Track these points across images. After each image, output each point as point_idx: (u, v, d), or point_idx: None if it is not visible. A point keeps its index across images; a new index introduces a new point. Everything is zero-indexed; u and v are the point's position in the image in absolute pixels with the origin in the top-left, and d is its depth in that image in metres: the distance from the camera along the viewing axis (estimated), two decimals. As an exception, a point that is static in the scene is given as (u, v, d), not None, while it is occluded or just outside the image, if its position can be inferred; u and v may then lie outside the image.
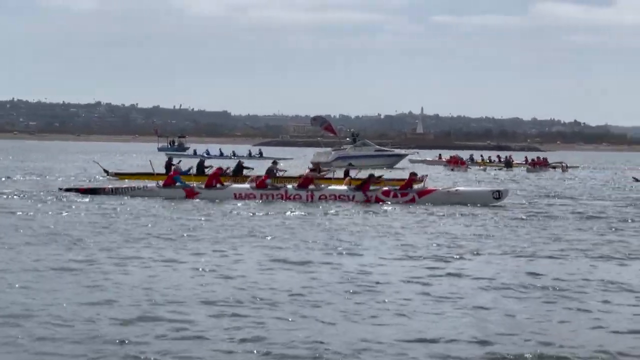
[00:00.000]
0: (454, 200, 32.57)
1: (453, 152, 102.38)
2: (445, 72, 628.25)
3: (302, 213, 28.06)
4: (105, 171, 47.18)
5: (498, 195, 33.13)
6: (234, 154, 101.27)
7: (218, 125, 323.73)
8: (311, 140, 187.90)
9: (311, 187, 33.48)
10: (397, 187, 34.03)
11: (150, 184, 35.08)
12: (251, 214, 27.61)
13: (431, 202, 32.17)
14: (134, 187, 34.46)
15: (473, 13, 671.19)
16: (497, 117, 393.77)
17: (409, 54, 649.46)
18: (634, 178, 47.28)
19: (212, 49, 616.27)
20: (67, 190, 34.27)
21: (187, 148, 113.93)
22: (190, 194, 33.25)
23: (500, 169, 77.75)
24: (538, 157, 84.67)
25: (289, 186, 33.80)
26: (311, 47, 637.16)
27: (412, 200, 32.60)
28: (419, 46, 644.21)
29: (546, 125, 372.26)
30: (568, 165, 79.00)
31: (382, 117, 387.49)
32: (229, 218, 26.35)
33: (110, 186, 35.17)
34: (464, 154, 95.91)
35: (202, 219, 25.85)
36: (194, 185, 34.09)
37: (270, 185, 33.80)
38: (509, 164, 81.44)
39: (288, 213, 28.02)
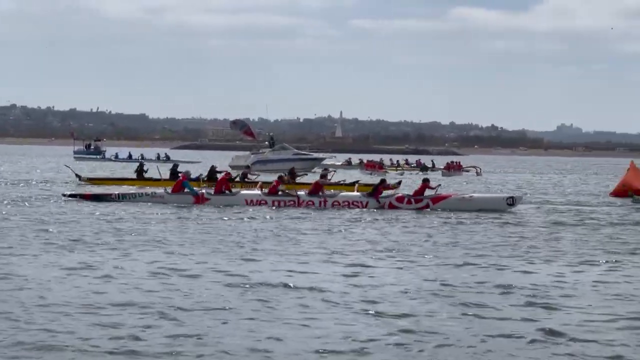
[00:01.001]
0: (468, 206, 32.39)
1: (372, 156, 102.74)
2: (364, 75, 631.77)
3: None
4: (77, 176, 45.93)
5: (512, 201, 33.18)
6: (142, 157, 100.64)
7: (136, 129, 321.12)
8: (230, 144, 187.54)
9: (326, 193, 33.26)
10: (411, 194, 33.66)
11: (159, 190, 34.22)
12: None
13: (445, 209, 31.96)
14: (142, 193, 33.74)
15: (391, 17, 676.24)
16: (416, 121, 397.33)
17: (328, 57, 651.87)
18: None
19: (129, 51, 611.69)
20: (71, 196, 33.60)
21: (104, 151, 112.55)
22: (200, 200, 32.67)
23: (416, 173, 78.13)
24: (452, 161, 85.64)
25: (301, 193, 33.26)
26: (230, 50, 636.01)
27: (426, 207, 32.39)
28: (338, 50, 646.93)
29: (464, 130, 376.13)
30: (482, 169, 79.89)
31: (301, 120, 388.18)
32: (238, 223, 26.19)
33: (116, 192, 34.27)
34: (382, 158, 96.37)
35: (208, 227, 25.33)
36: (204, 191, 33.48)
37: (282, 191, 33.22)
38: (424, 167, 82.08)
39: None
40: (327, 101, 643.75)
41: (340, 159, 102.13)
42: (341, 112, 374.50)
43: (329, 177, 42.59)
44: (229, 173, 36.01)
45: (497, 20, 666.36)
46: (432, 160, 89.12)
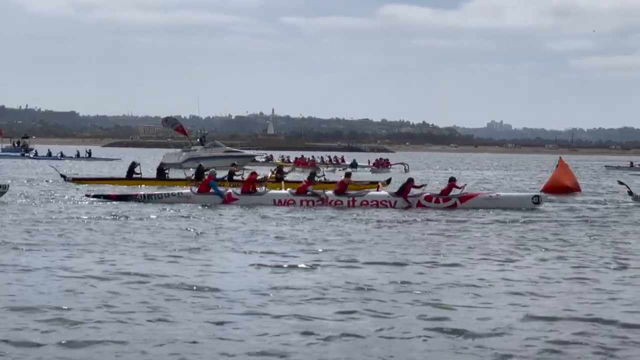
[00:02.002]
0: (494, 205, 32.35)
1: (303, 154, 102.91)
2: (295, 73, 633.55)
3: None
4: (62, 176, 45.06)
5: (537, 200, 33.23)
6: (62, 155, 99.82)
7: (66, 127, 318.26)
8: (162, 141, 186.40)
9: (353, 192, 32.84)
10: (438, 193, 33.36)
11: (185, 190, 33.55)
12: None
13: (472, 207, 31.87)
14: (168, 193, 33.00)
15: (322, 15, 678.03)
16: (347, 118, 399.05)
17: (259, 54, 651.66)
18: (619, 182, 47.83)
19: (58, 48, 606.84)
20: (95, 196, 32.93)
21: (32, 149, 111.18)
22: (228, 199, 32.16)
23: (343, 169, 78.43)
24: (381, 158, 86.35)
25: (329, 192, 32.75)
26: (161, 48, 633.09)
27: (454, 206, 32.21)
28: (269, 47, 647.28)
29: (395, 127, 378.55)
30: (409, 166, 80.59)
31: (233, 118, 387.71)
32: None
33: (142, 192, 33.66)
34: (312, 155, 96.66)
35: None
36: (231, 191, 32.91)
37: (310, 191, 32.72)
38: (354, 164, 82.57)
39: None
40: (259, 98, 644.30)
41: (275, 156, 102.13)
42: (273, 110, 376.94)
43: (318, 175, 42.71)
44: (255, 173, 35.27)
45: (427, 18, 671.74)
46: (353, 159, 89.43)
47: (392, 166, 79.27)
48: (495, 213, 30.54)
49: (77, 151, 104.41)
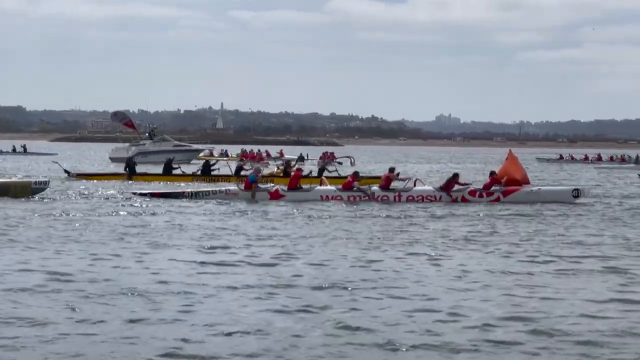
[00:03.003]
0: (536, 199, 32.73)
1: (255, 148, 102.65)
2: (244, 67, 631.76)
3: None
4: (66, 172, 44.55)
5: (577, 193, 33.68)
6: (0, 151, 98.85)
7: (13, 121, 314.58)
8: (110, 136, 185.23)
9: (398, 187, 33.06)
10: (481, 187, 33.77)
11: (232, 187, 33.37)
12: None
13: (514, 201, 32.23)
14: (215, 190, 32.87)
15: (271, 8, 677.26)
16: (297, 112, 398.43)
17: (208, 48, 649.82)
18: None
19: (4, 41, 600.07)
20: (141, 194, 32.70)
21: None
22: (275, 196, 32.06)
23: (294, 164, 78.46)
24: (326, 152, 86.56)
25: (375, 187, 32.80)
26: (109, 41, 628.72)
27: (497, 200, 32.62)
28: (217, 41, 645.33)
29: (344, 121, 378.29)
30: (355, 159, 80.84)
31: (182, 112, 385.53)
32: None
33: (189, 190, 33.57)
34: (259, 149, 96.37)
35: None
36: (278, 187, 32.77)
37: (356, 187, 32.67)
38: (301, 158, 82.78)
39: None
40: (208, 93, 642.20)
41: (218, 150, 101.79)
42: (222, 104, 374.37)
43: (330, 169, 42.80)
44: (301, 169, 35.19)
45: (376, 11, 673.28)
46: (306, 153, 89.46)
47: (337, 159, 79.20)
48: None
49: (13, 146, 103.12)
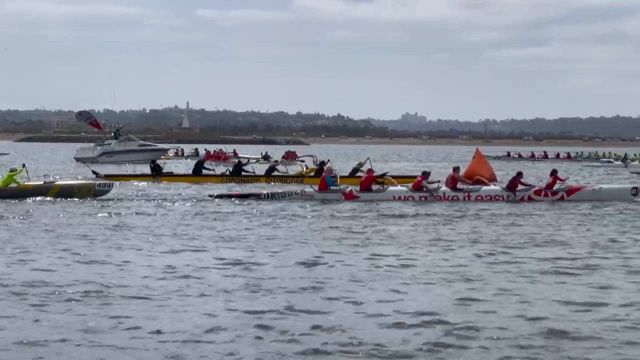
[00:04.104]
0: (597, 197, 32.87)
1: (220, 147, 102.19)
2: (210, 66, 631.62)
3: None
4: (95, 173, 43.90)
5: (636, 191, 33.80)
6: None
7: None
8: (75, 135, 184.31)
9: (467, 187, 33.25)
10: (545, 186, 33.84)
11: (307, 188, 33.37)
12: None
13: (577, 200, 32.38)
14: (291, 192, 32.95)
15: (236, 7, 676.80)
16: (263, 111, 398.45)
17: (173, 47, 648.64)
18: None
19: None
20: (219, 196, 32.58)
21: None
22: (349, 197, 32.09)
23: (261, 163, 78.13)
24: (289, 151, 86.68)
25: (444, 188, 32.92)
26: (73, 41, 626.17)
27: (562, 199, 32.80)
28: (183, 40, 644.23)
29: (311, 119, 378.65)
30: (317, 158, 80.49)
31: (147, 111, 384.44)
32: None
33: (265, 191, 33.48)
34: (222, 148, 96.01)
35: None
36: (351, 188, 32.75)
37: (426, 187, 32.76)
38: (266, 157, 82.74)
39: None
40: (173, 92, 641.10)
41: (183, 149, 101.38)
42: (188, 103, 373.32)
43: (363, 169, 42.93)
44: (373, 169, 34.97)
45: (341, 10, 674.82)
46: (265, 152, 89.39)
47: (300, 158, 78.96)
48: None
49: None
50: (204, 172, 46.27)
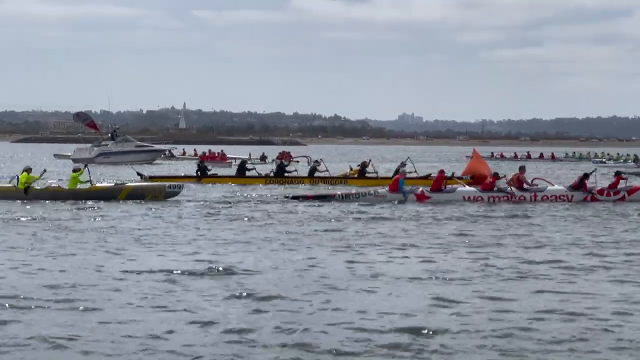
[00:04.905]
0: None
1: (218, 148, 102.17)
2: (206, 67, 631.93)
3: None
4: (140, 175, 43.95)
5: None
6: None
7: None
8: (72, 137, 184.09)
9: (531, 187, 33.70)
10: (607, 186, 34.36)
11: (380, 189, 33.46)
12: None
13: (637, 200, 32.95)
14: (364, 193, 33.15)
15: (233, 8, 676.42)
16: (259, 112, 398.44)
17: (170, 48, 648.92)
18: None
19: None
20: (294, 198, 32.86)
21: None
22: (421, 197, 32.37)
23: (258, 164, 78.11)
24: (284, 151, 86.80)
25: (512, 188, 33.16)
26: (69, 42, 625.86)
27: (623, 199, 33.26)
28: (180, 40, 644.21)
29: (308, 120, 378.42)
30: (312, 158, 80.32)
31: (144, 112, 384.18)
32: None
33: (339, 192, 33.96)
34: (232, 149, 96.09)
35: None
36: (423, 189, 33.14)
37: (496, 187, 33.21)
38: (263, 158, 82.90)
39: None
40: (170, 93, 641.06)
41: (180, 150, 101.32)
42: (184, 104, 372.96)
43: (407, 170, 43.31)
44: (443, 171, 35.09)
45: (338, 11, 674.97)
46: (263, 153, 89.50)
47: (294, 159, 78.93)
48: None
49: None
50: (247, 173, 46.74)
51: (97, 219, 25.45)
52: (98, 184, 33.16)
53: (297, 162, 75.24)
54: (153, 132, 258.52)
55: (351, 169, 47.51)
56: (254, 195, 35.84)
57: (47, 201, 30.59)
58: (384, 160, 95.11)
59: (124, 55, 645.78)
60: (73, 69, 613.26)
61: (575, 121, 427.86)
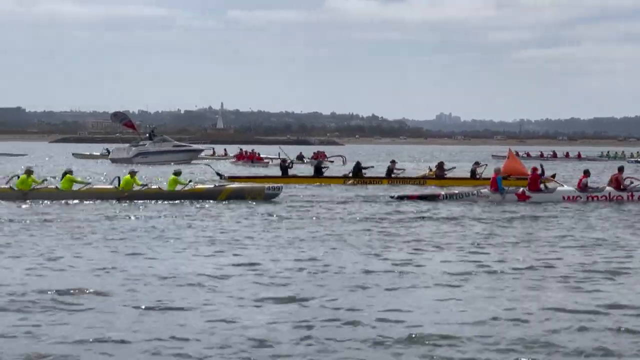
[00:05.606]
0: None
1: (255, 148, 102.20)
2: (243, 67, 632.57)
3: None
4: (219, 174, 44.28)
5: None
6: None
7: (12, 123, 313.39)
8: (110, 136, 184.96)
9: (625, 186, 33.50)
10: None
11: (483, 189, 33.93)
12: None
13: None
14: (468, 192, 33.40)
15: (268, 8, 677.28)
16: (297, 111, 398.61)
17: (205, 49, 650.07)
18: None
19: (1, 43, 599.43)
20: (400, 197, 32.99)
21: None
22: (522, 197, 32.64)
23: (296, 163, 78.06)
24: (318, 151, 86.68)
25: (609, 188, 33.35)
26: (104, 42, 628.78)
27: None
28: (216, 40, 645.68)
29: (345, 120, 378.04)
30: (346, 158, 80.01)
31: (182, 112, 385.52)
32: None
33: (443, 192, 34.15)
34: (265, 149, 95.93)
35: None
36: (524, 189, 33.25)
37: (591, 187, 33.44)
38: (300, 157, 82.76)
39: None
40: (208, 93, 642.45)
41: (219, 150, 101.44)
42: (222, 104, 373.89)
43: (479, 171, 44.26)
44: (536, 168, 35.17)
45: (373, 10, 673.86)
46: (300, 152, 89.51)
47: (329, 159, 78.79)
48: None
49: None
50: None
51: (194, 220, 25.62)
52: (198, 185, 33.46)
53: (332, 162, 75.07)
54: (191, 132, 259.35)
55: (430, 170, 47.46)
56: (332, 195, 35.88)
57: (145, 202, 30.77)
58: (431, 160, 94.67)
59: (161, 55, 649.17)
60: (110, 69, 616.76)
61: (613, 120, 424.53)
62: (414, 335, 11.28)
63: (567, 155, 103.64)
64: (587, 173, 34.02)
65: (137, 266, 16.63)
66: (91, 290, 14.04)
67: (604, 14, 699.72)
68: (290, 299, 13.54)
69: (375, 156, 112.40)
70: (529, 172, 35.27)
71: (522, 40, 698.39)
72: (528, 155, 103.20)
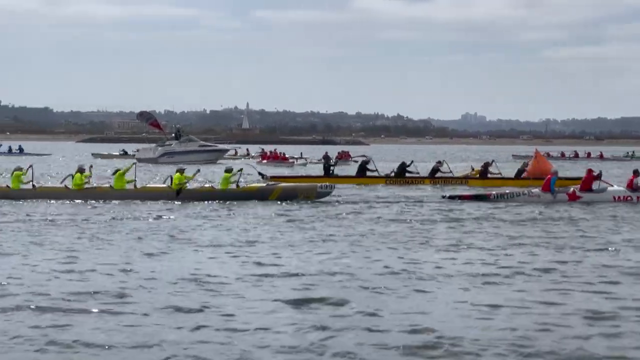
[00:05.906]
0: None
1: (279, 148, 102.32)
2: (269, 67, 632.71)
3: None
4: (261, 174, 44.15)
5: None
6: None
7: (40, 123, 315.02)
8: (136, 136, 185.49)
9: None
10: None
11: (534, 189, 33.86)
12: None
13: None
14: (519, 192, 33.52)
15: (293, 8, 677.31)
16: (322, 111, 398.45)
17: (230, 49, 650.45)
18: None
19: (30, 42, 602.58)
20: (451, 197, 33.30)
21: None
22: (573, 197, 32.82)
23: (317, 163, 78.10)
24: (343, 151, 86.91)
25: None
26: (131, 42, 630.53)
27: None
28: (241, 41, 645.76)
29: (370, 120, 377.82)
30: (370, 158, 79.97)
31: (207, 112, 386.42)
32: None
33: (494, 192, 34.28)
34: (290, 149, 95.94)
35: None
36: (574, 189, 33.34)
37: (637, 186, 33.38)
38: (326, 157, 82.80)
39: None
40: (233, 93, 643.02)
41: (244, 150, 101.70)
42: (247, 104, 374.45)
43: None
44: (592, 170, 35.30)
45: (398, 10, 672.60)
46: (326, 152, 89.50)
47: (353, 158, 78.78)
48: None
49: (10, 146, 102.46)
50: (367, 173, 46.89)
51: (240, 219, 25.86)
52: (251, 184, 33.70)
53: (356, 162, 75.02)
54: (216, 132, 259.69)
55: (473, 170, 47.30)
56: (375, 195, 35.91)
57: (199, 202, 30.93)
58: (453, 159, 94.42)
59: (187, 55, 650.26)
60: (136, 70, 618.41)
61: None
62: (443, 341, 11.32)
63: (588, 155, 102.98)
64: (636, 173, 33.68)
65: (195, 268, 16.73)
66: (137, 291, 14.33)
67: (631, 14, 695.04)
68: (320, 300, 13.62)
69: (400, 155, 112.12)
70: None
71: (548, 40, 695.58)
72: (549, 155, 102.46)
